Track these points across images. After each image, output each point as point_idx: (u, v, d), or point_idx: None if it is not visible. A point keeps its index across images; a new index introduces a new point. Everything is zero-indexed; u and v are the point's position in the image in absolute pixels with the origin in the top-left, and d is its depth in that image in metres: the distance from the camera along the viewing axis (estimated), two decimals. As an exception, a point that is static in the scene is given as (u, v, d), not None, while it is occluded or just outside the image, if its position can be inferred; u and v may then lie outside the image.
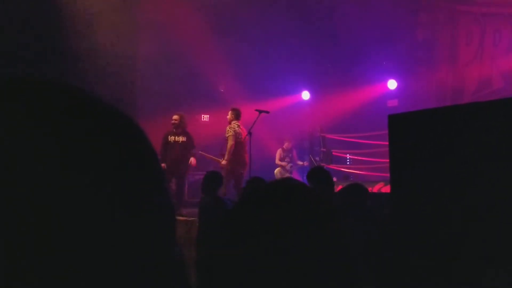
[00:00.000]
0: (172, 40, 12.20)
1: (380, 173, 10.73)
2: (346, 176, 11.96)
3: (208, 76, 13.28)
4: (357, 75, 12.82)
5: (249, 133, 9.26)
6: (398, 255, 2.52)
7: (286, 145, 11.95)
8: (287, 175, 11.38)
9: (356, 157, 12.62)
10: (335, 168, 12.38)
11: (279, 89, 13.80)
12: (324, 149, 12.69)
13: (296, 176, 11.84)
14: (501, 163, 2.14)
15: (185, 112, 9.83)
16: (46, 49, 8.65)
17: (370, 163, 11.83)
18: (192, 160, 9.41)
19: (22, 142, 0.49)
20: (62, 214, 0.48)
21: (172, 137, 9.25)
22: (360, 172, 11.96)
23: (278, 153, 11.98)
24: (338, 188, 8.45)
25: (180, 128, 9.31)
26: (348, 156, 13.02)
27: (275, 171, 11.62)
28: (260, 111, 9.48)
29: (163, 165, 8.59)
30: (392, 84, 12.71)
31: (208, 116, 14.12)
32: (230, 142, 9.16)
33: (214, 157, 10.03)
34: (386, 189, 8.99)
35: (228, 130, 9.33)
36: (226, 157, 9.19)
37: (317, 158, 12.56)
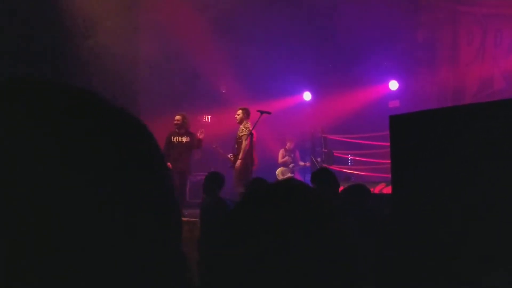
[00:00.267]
0: (173, 40, 12.20)
1: (381, 174, 10.72)
2: (348, 176, 11.95)
3: (209, 77, 13.29)
4: (358, 76, 12.82)
5: (251, 134, 9.25)
6: (399, 255, 2.51)
7: (288, 145, 11.95)
8: (289, 175, 11.37)
9: (357, 158, 12.62)
10: (337, 168, 12.36)
11: (280, 89, 13.80)
12: (326, 150, 12.68)
13: (298, 176, 11.84)
14: (502, 164, 2.14)
15: (186, 113, 9.81)
16: (47, 50, 8.66)
17: (371, 164, 11.82)
18: (200, 133, 9.32)
19: (22, 142, 0.49)
20: (62, 214, 0.48)
21: (176, 138, 9.24)
22: (362, 173, 11.95)
23: (281, 153, 11.97)
24: (339, 189, 8.45)
25: (183, 129, 9.29)
26: (349, 157, 13.01)
27: (277, 172, 11.62)
28: (262, 112, 9.46)
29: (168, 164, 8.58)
30: (393, 85, 12.70)
31: (209, 116, 14.12)
32: (245, 142, 9.11)
33: (226, 155, 9.93)
34: (388, 189, 8.99)
35: (242, 129, 9.31)
36: (241, 156, 9.13)
37: (319, 159, 12.55)
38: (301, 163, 12.23)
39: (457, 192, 2.30)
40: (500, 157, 2.15)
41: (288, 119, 13.48)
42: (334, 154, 12.69)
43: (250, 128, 9.23)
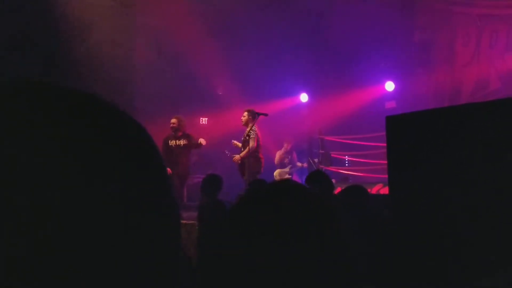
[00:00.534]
0: (169, 43, 12.19)
1: (378, 175, 10.72)
2: (345, 177, 11.95)
3: (206, 79, 13.28)
4: (355, 77, 12.84)
5: (248, 136, 9.24)
6: (397, 256, 2.52)
7: (285, 146, 11.93)
8: (287, 177, 11.36)
9: (354, 159, 12.62)
10: (334, 170, 12.38)
11: (277, 91, 13.80)
12: (323, 151, 12.68)
13: (296, 178, 11.83)
14: (499, 163, 2.15)
15: (183, 115, 9.78)
16: (43, 52, 8.65)
17: (368, 165, 11.82)
18: (202, 141, 9.23)
19: (22, 142, 0.49)
20: (62, 214, 0.49)
21: (173, 141, 9.16)
22: (359, 174, 11.95)
23: (278, 154, 11.96)
24: (337, 190, 8.45)
25: (179, 131, 9.22)
26: (346, 157, 13.02)
27: (274, 173, 11.60)
28: (259, 114, 9.46)
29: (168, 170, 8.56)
30: (389, 86, 12.73)
31: (206, 119, 14.11)
32: (252, 143, 9.04)
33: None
34: (385, 190, 9.00)
35: (251, 132, 9.18)
36: (243, 154, 9.06)
37: (316, 160, 12.55)
38: (299, 164, 12.22)
39: (454, 192, 2.31)
40: (496, 156, 2.16)
41: (285, 120, 13.47)
42: (331, 155, 12.69)
43: (257, 131, 9.20)
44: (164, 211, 0.58)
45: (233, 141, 9.85)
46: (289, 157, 11.93)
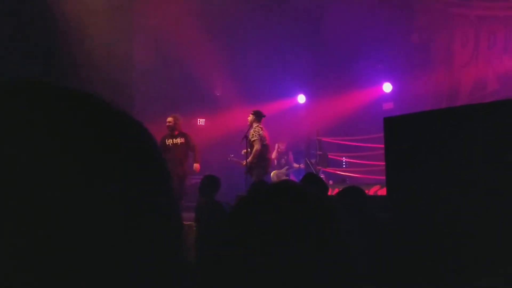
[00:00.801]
0: (167, 44, 12.19)
1: (376, 176, 10.72)
2: (343, 179, 11.95)
3: (204, 80, 13.27)
4: (352, 78, 12.86)
5: (246, 137, 9.24)
6: (396, 256, 2.52)
7: (278, 147, 11.87)
8: (284, 178, 11.35)
9: (352, 160, 12.62)
10: (331, 171, 12.38)
11: (275, 92, 13.81)
12: (320, 152, 12.68)
13: (293, 179, 11.83)
14: (497, 164, 2.15)
15: (180, 115, 9.74)
16: (41, 52, 8.64)
17: (366, 166, 11.82)
18: (196, 166, 9.27)
19: (22, 142, 0.49)
20: (62, 214, 0.49)
21: (170, 140, 9.11)
22: (356, 175, 11.94)
23: (273, 155, 11.96)
24: (334, 191, 8.46)
25: (176, 130, 9.19)
26: (344, 159, 13.02)
27: (271, 175, 11.59)
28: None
29: None
30: (387, 87, 12.75)
31: (204, 120, 14.11)
32: (257, 147, 9.03)
33: (242, 162, 9.82)
34: (382, 191, 9.00)
35: (253, 134, 9.17)
36: (250, 159, 9.07)
37: (313, 160, 12.54)
38: (295, 165, 12.21)
39: (452, 193, 2.31)
40: (494, 157, 2.16)
41: (283, 122, 13.48)
42: (329, 156, 12.69)
43: (261, 132, 9.18)
44: (165, 212, 0.58)
45: (230, 156, 9.95)
46: (285, 157, 11.92)
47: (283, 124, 13.41)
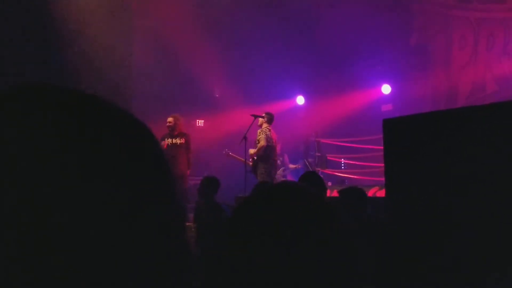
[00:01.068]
0: (166, 45, 12.19)
1: (375, 178, 10.72)
2: (341, 180, 11.95)
3: (203, 81, 13.27)
4: (351, 80, 12.86)
5: (245, 138, 9.26)
6: (396, 257, 2.52)
7: None
8: (282, 179, 11.36)
9: (351, 162, 12.62)
10: (330, 172, 12.39)
11: (274, 94, 13.81)
12: (319, 154, 12.68)
13: (291, 179, 11.82)
14: (495, 166, 2.15)
15: (179, 114, 9.74)
16: (40, 52, 8.63)
17: (365, 168, 11.82)
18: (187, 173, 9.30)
19: (23, 143, 0.49)
20: (62, 214, 0.49)
21: (169, 140, 9.08)
22: (355, 177, 11.95)
23: None
24: (333, 192, 8.46)
25: (176, 130, 9.18)
26: (342, 160, 13.02)
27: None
28: (256, 116, 9.50)
29: None
30: (386, 89, 12.75)
31: (203, 121, 14.10)
32: (262, 143, 9.18)
33: (241, 158, 9.88)
34: (381, 193, 8.99)
35: (259, 133, 9.37)
36: (255, 152, 9.24)
37: (310, 160, 12.54)
38: (291, 166, 12.22)
39: (452, 195, 2.31)
40: (493, 159, 2.16)
41: (282, 123, 13.47)
42: (328, 158, 12.70)
43: (268, 133, 9.34)
44: (166, 212, 0.58)
45: (225, 150, 9.98)
46: (281, 159, 11.92)
47: (282, 125, 13.42)
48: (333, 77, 13.12)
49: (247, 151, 9.39)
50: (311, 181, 5.30)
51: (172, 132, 9.12)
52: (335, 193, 8.69)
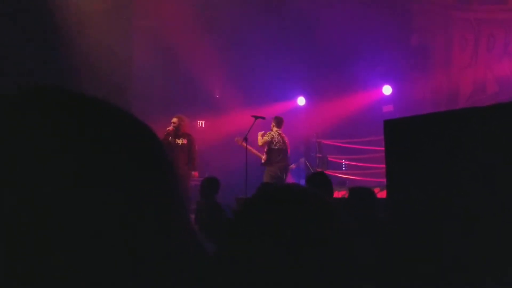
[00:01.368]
0: (166, 46, 12.19)
1: (376, 179, 10.72)
2: (342, 181, 11.93)
3: (203, 82, 13.27)
4: (352, 81, 12.85)
5: (245, 139, 9.27)
6: (397, 256, 2.52)
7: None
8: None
9: (352, 163, 12.61)
10: (331, 173, 12.35)
11: (274, 95, 13.81)
12: (320, 155, 12.67)
13: (291, 180, 11.80)
14: (496, 167, 2.15)
15: (183, 115, 9.75)
16: (39, 52, 8.63)
17: (366, 169, 11.82)
18: (194, 174, 9.29)
19: (23, 143, 0.49)
20: (62, 215, 0.49)
21: (173, 139, 9.11)
22: (356, 178, 11.94)
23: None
24: (334, 193, 8.44)
25: (180, 131, 9.19)
26: (343, 161, 13.01)
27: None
28: (256, 117, 9.51)
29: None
30: (387, 90, 12.74)
31: (204, 122, 14.10)
32: (267, 138, 9.42)
33: (255, 151, 9.92)
34: (382, 194, 8.99)
35: (267, 135, 9.51)
36: (260, 142, 9.47)
37: (305, 160, 12.54)
38: (291, 166, 12.20)
39: (452, 196, 2.31)
40: (494, 160, 2.16)
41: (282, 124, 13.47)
42: (329, 159, 12.69)
43: (275, 136, 9.45)
44: (168, 212, 0.58)
45: (237, 137, 9.98)
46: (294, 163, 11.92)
47: (283, 126, 13.41)
48: (334, 78, 13.11)
49: (248, 153, 9.41)
50: (318, 181, 5.31)
51: (176, 132, 9.12)
52: (336, 194, 8.71)
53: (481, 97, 11.32)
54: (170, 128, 9.16)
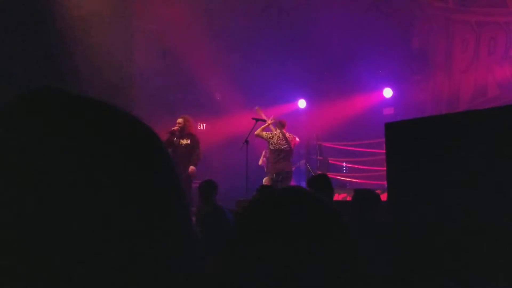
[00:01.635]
0: (167, 49, 12.20)
1: (376, 181, 10.72)
2: (343, 184, 11.94)
3: (204, 85, 13.28)
4: (353, 84, 12.87)
5: (246, 142, 9.26)
6: (396, 260, 2.52)
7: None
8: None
9: (352, 165, 12.62)
10: (332, 176, 12.34)
11: (275, 97, 13.80)
12: (321, 157, 12.68)
13: (292, 182, 11.79)
14: (498, 170, 2.15)
15: (189, 115, 9.74)
16: (41, 55, 8.63)
17: (366, 171, 11.82)
18: (192, 169, 9.17)
19: (27, 146, 0.49)
20: (63, 216, 0.49)
21: (177, 140, 9.08)
22: (357, 180, 11.95)
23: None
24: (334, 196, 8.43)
25: (184, 131, 9.17)
26: (344, 164, 13.01)
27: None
28: (257, 120, 9.51)
29: None
30: (387, 93, 12.75)
31: (204, 124, 14.10)
32: (259, 131, 9.42)
33: (266, 118, 9.87)
34: (383, 197, 8.99)
35: (268, 133, 9.53)
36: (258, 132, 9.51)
37: (306, 162, 12.55)
38: None
39: (453, 198, 2.31)
40: (495, 163, 2.16)
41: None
42: (329, 161, 12.69)
43: (277, 134, 9.50)
44: (170, 213, 0.58)
45: (256, 107, 9.98)
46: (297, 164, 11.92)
47: (284, 128, 13.41)
48: (335, 81, 13.13)
49: (248, 155, 9.41)
50: (320, 184, 5.31)
51: (181, 132, 9.10)
52: (336, 196, 8.71)
53: (481, 100, 11.32)
54: (175, 128, 9.14)
